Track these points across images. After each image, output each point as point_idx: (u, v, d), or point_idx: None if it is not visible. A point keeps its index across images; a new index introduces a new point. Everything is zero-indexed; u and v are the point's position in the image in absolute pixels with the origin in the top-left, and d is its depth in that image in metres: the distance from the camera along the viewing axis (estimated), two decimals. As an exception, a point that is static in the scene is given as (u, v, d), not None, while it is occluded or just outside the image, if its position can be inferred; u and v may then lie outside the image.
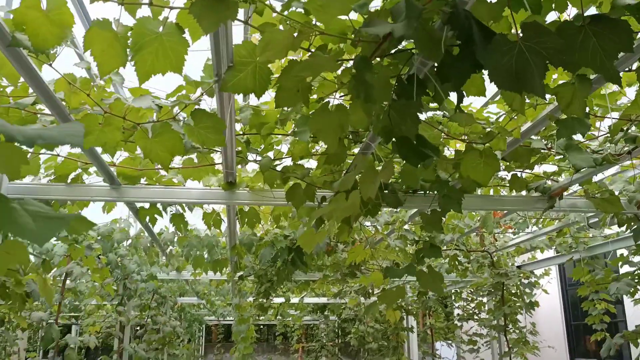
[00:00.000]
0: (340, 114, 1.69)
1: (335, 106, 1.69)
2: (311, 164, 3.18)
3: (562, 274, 11.43)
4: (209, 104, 2.32)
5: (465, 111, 2.47)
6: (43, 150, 3.04)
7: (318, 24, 1.71)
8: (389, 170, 1.89)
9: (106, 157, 3.07)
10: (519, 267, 6.43)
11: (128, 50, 1.68)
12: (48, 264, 5.31)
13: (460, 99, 1.76)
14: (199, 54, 2.26)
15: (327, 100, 1.68)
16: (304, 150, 2.79)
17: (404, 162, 2.12)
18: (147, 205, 3.68)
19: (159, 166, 3.21)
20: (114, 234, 4.82)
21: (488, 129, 2.30)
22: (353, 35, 1.63)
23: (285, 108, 2.06)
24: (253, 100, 2.70)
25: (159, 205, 3.66)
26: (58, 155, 3.00)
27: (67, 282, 4.99)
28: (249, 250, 4.77)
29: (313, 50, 1.74)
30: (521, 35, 1.49)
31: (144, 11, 1.72)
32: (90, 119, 1.89)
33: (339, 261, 5.75)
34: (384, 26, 1.33)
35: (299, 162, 2.90)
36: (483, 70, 2.03)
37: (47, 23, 1.66)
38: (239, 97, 2.76)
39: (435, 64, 1.79)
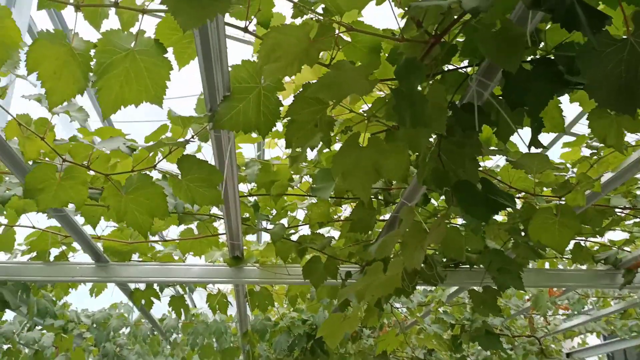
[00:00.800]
0: (374, 152, 1.22)
1: (368, 140, 1.22)
2: (332, 233, 2.69)
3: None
4: (206, 155, 1.88)
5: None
6: (19, 222, 2.61)
7: (343, 36, 1.29)
8: (440, 231, 1.39)
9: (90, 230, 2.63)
10: (568, 354, 5.66)
11: (91, 74, 1.27)
12: (41, 356, 4.74)
13: (537, 130, 1.29)
14: (192, 85, 1.86)
15: (357, 131, 1.21)
16: (324, 216, 2.30)
17: (467, 216, 1.61)
18: (142, 286, 3.17)
19: (154, 238, 2.74)
20: (111, 321, 4.27)
21: (560, 178, 1.81)
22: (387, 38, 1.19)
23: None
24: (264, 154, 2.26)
25: (155, 286, 3.14)
26: (33, 227, 2.55)
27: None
28: (262, 338, 4.17)
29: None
30: (632, 30, 1.05)
31: (112, 23, 1.32)
32: (45, 171, 1.44)
33: (364, 349, 5.07)
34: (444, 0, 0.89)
35: (318, 230, 2.42)
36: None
37: (-16, 40, 1.26)
38: (245, 152, 2.32)
39: (499, 86, 1.35)
